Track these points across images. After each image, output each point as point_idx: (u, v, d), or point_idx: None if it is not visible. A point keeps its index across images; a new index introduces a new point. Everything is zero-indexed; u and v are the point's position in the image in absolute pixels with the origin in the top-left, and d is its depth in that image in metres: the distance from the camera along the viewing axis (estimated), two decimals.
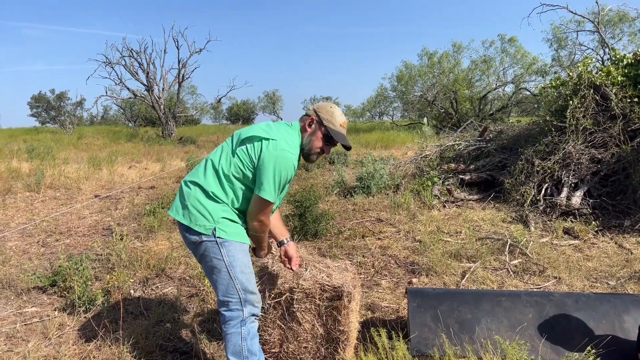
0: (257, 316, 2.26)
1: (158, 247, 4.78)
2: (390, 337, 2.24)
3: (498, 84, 21.54)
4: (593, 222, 5.22)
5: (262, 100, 54.77)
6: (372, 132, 20.18)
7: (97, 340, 2.85)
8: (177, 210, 2.22)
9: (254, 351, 2.18)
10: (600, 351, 2.17)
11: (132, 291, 3.71)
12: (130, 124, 32.31)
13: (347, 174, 8.26)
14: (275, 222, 2.41)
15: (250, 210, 2.16)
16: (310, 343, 2.55)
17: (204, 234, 2.14)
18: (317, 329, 2.51)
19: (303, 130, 2.26)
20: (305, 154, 2.27)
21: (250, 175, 2.15)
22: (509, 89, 21.64)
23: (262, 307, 2.50)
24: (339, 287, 2.41)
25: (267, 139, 2.13)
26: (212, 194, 2.16)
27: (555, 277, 3.85)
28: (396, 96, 25.82)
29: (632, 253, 4.37)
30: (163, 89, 22.01)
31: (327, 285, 2.44)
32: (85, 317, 3.23)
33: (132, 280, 3.88)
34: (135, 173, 10.21)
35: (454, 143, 8.71)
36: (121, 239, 4.60)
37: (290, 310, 2.51)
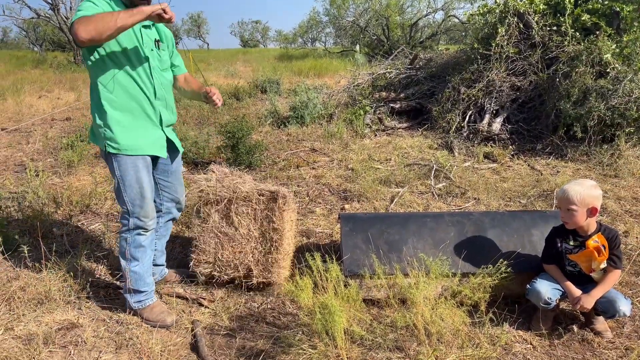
0: (145, 229, 2.38)
1: (80, 182, 4.50)
2: (324, 260, 2.34)
3: (429, 11, 21.54)
4: (510, 147, 5.61)
5: (187, 23, 51.05)
6: (305, 60, 19.68)
7: (20, 281, 2.71)
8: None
9: (136, 257, 2.39)
10: (511, 262, 2.42)
11: (55, 229, 3.51)
12: (35, 48, 28.87)
13: (280, 103, 8.10)
14: (193, 84, 2.59)
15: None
16: (245, 247, 2.66)
17: (103, 149, 2.27)
18: (253, 232, 2.65)
19: None
20: (134, 3, 2.19)
21: (91, 54, 2.15)
22: (439, 15, 21.78)
23: (200, 217, 2.66)
24: (275, 190, 2.61)
25: None
26: (94, 104, 2.24)
27: (475, 198, 4.15)
28: (329, 21, 25.07)
29: (541, 174, 4.79)
30: (71, 7, 19.63)
31: (264, 190, 2.62)
32: (4, 259, 3.03)
33: (53, 218, 3.67)
34: (46, 103, 9.31)
35: (385, 71, 8.74)
36: (37, 175, 4.27)
37: (228, 216, 2.64)
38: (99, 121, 2.22)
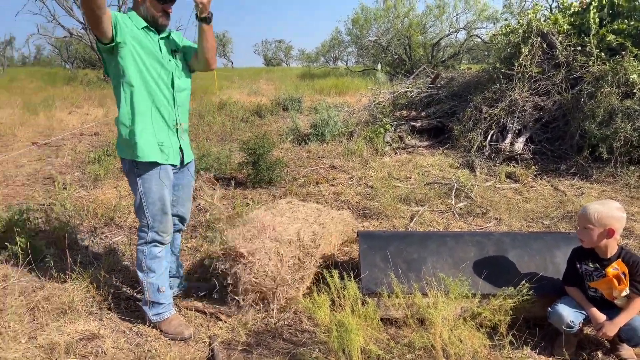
0: (162, 243, 2.45)
1: (105, 195, 4.62)
2: (342, 278, 2.33)
3: (451, 31, 21.58)
4: (533, 167, 5.52)
5: None
6: (327, 78, 19.90)
7: (44, 291, 2.78)
8: None
9: (153, 269, 2.44)
10: (533, 285, 2.37)
11: (80, 241, 3.61)
12: (67, 66, 29.97)
13: (301, 121, 8.19)
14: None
15: None
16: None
17: (126, 161, 2.33)
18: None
19: (136, 6, 2.31)
20: (154, 25, 2.31)
21: (114, 64, 2.24)
22: (461, 35, 21.76)
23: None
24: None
25: None
26: (120, 114, 2.30)
27: (497, 219, 4.09)
28: (351, 40, 25.34)
29: (565, 195, 4.69)
30: None
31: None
32: (30, 269, 3.12)
33: (79, 230, 3.76)
34: (76, 119, 9.64)
35: (406, 90, 8.77)
36: (64, 188, 4.40)
37: None
38: (123, 130, 2.29)
